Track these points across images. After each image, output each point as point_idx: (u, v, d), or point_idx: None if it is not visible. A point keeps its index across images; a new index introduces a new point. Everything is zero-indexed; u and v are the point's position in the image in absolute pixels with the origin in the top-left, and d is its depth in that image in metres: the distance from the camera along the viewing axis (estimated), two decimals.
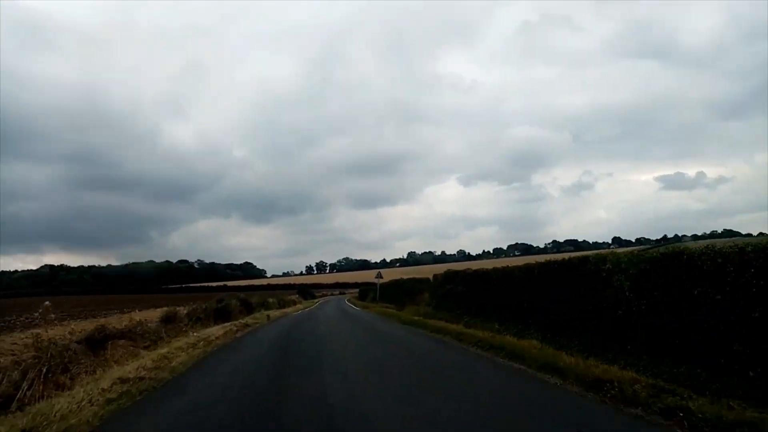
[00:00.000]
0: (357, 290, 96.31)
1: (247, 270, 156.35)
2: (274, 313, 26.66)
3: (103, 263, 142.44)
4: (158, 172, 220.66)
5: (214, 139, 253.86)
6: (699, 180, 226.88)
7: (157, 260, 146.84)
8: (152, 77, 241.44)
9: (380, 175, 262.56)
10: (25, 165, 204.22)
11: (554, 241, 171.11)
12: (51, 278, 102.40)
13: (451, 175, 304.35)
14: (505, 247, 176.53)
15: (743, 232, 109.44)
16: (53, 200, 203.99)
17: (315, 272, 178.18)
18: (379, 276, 39.35)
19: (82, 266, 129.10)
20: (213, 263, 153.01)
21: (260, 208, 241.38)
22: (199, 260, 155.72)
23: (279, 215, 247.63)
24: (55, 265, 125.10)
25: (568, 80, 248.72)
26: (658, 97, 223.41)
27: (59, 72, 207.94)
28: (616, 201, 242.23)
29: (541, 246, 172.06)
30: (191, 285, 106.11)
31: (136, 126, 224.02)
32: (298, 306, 40.18)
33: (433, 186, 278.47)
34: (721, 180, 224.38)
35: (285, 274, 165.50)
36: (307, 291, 74.70)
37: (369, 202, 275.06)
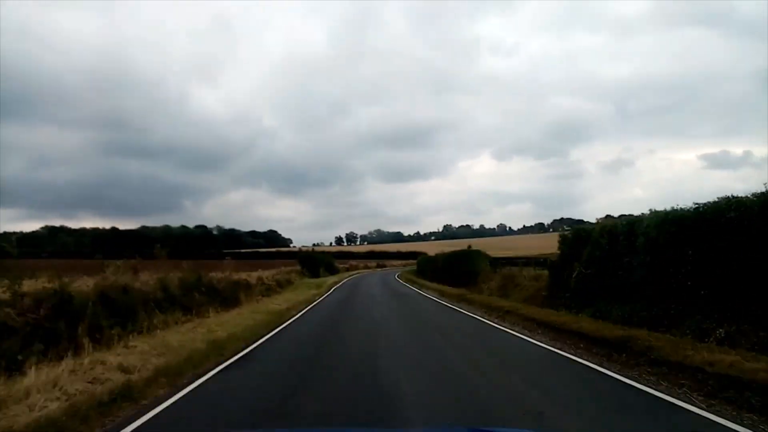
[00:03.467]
0: (403, 262, 72.32)
1: (271, 238, 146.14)
2: None
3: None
4: (188, 140, 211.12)
5: (243, 107, 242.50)
6: (746, 159, 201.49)
7: (175, 226, 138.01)
8: (178, 36, 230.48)
9: (412, 148, 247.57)
10: (53, 129, 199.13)
11: (607, 216, 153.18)
12: (49, 240, 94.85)
13: (485, 149, 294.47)
14: (548, 222, 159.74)
15: None
16: (84, 166, 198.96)
17: (345, 243, 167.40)
18: None
19: (84, 228, 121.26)
20: (233, 230, 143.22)
21: (290, 179, 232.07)
22: (218, 226, 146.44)
23: (309, 187, 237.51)
24: (56, 226, 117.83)
25: (612, 48, 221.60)
26: (707, 68, 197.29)
27: (82, 30, 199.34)
28: (656, 179, 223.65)
29: (593, 221, 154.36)
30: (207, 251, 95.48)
31: (164, 90, 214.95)
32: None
33: (467, 161, 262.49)
34: None
35: (315, 245, 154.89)
36: (316, 260, 43.19)
37: (400, 175, 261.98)
